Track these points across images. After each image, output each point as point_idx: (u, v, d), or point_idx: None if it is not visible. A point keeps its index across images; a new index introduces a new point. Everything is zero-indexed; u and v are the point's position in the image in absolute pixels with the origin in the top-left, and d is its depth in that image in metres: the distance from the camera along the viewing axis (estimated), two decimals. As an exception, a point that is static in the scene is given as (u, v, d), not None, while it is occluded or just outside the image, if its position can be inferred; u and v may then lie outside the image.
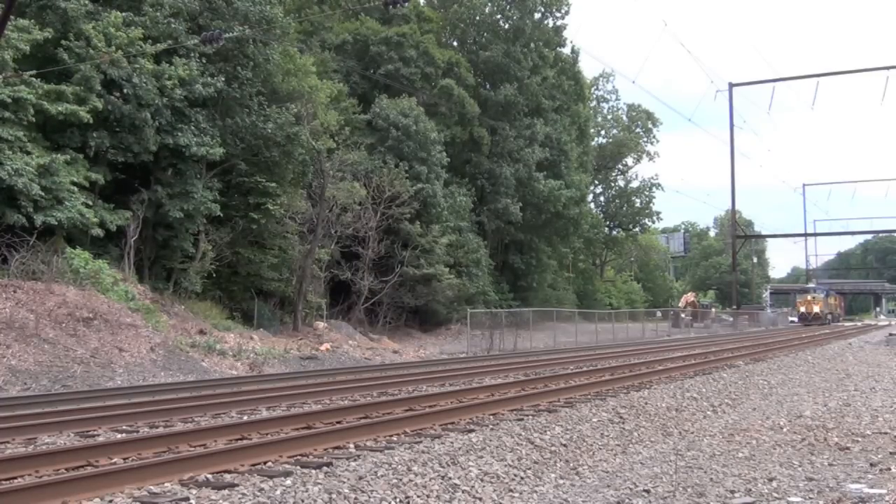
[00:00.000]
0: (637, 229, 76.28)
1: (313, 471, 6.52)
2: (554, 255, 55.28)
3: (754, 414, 11.59)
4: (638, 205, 74.47)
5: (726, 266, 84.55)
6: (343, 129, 31.56)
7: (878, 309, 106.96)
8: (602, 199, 75.84)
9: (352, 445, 7.86)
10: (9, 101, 19.40)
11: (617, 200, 74.85)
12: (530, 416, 9.73)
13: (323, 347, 25.20)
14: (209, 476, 6.42)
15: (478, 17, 47.55)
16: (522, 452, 7.88)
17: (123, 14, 22.89)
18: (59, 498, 5.59)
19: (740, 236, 69.73)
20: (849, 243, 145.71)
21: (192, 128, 23.93)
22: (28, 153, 19.73)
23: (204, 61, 24.52)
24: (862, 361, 21.64)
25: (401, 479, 6.43)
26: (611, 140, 75.92)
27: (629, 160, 75.85)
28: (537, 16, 48.95)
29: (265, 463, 7.00)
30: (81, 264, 20.17)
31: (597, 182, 72.41)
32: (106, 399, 12.37)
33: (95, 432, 9.07)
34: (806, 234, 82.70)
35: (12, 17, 18.33)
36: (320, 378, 16.64)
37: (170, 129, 23.40)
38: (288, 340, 25.75)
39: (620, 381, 14.00)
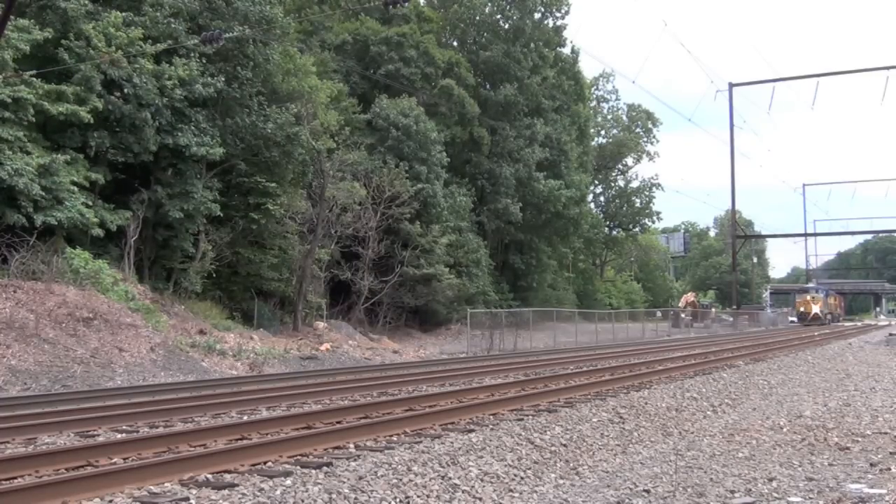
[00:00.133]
0: (637, 229, 76.28)
1: (313, 471, 6.52)
2: (554, 255, 55.29)
3: (754, 414, 11.59)
4: (638, 205, 74.47)
5: (726, 266, 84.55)
6: (343, 129, 31.56)
7: (878, 309, 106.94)
8: (602, 199, 75.86)
9: (352, 445, 7.86)
10: (9, 101, 19.40)
11: (617, 200, 74.85)
12: (530, 416, 9.73)
13: (323, 347, 25.20)
14: (209, 476, 6.42)
15: (478, 17, 47.56)
16: (522, 452, 7.88)
17: (123, 14, 22.90)
18: (59, 498, 5.59)
19: (740, 236, 69.73)
20: (849, 243, 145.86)
21: (192, 128, 23.94)
22: (28, 153, 19.74)
23: (204, 61, 24.52)
24: (862, 361, 21.64)
25: (401, 479, 6.43)
26: (611, 140, 75.92)
27: (629, 160, 75.91)
28: (537, 16, 48.96)
29: (265, 463, 7.00)
30: (81, 264, 20.17)
31: (597, 182, 72.41)
32: (106, 399, 12.36)
33: (95, 432, 9.07)
34: (806, 234, 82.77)
35: (12, 17, 18.33)
36: (320, 378, 16.64)
37: (170, 129, 23.40)
38: (288, 340, 25.75)
39: (620, 381, 14.00)
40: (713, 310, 68.71)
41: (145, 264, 24.69)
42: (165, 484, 6.19)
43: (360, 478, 6.32)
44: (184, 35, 23.73)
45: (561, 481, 7.36)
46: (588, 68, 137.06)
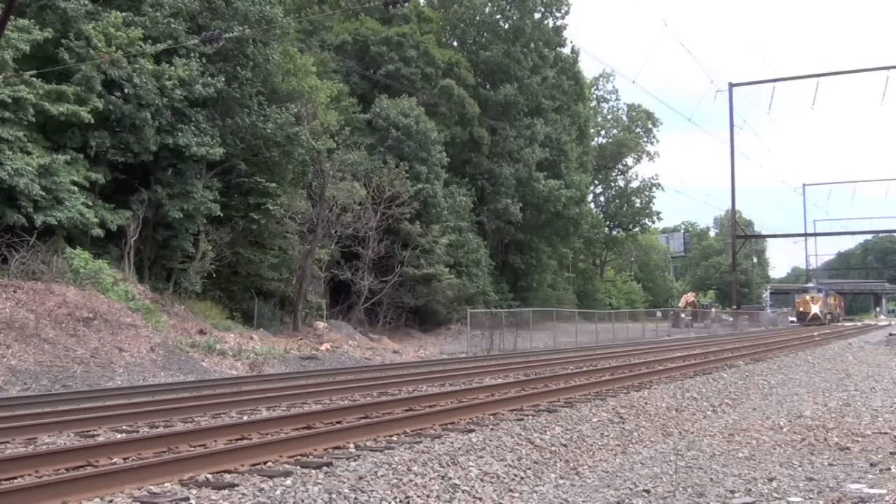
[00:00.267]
0: (637, 229, 76.29)
1: (313, 471, 6.52)
2: (554, 255, 55.29)
3: (754, 414, 11.59)
4: (638, 205, 74.47)
5: (726, 266, 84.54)
6: (343, 129, 31.57)
7: (878, 309, 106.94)
8: (602, 199, 75.85)
9: (352, 445, 7.86)
10: (9, 101, 19.40)
11: (617, 200, 74.85)
12: (530, 416, 9.73)
13: (323, 347, 25.20)
14: (209, 476, 6.42)
15: (478, 17, 47.56)
16: (522, 452, 7.88)
17: (123, 14, 22.89)
18: (59, 498, 5.59)
19: (740, 236, 69.72)
20: (849, 243, 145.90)
21: (192, 128, 23.93)
22: (28, 153, 19.74)
23: (204, 61, 24.52)
24: (862, 361, 21.64)
25: (401, 479, 6.43)
26: (611, 140, 75.92)
27: (629, 160, 75.91)
28: (537, 16, 48.96)
29: (265, 463, 7.00)
30: (81, 264, 20.17)
31: (597, 182, 72.41)
32: (106, 399, 12.36)
33: (95, 432, 9.07)
34: (806, 234, 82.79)
35: (12, 17, 18.33)
36: (320, 378, 16.64)
37: (170, 129, 23.40)
38: (288, 340, 25.75)
39: (620, 381, 14.00)
40: (713, 310, 68.71)
41: (145, 264, 24.69)
42: (165, 484, 6.19)
43: (360, 478, 6.32)
44: (184, 35, 23.73)
45: (561, 481, 7.36)
46: (588, 68, 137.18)
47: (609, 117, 77.72)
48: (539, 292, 50.97)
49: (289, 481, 6.19)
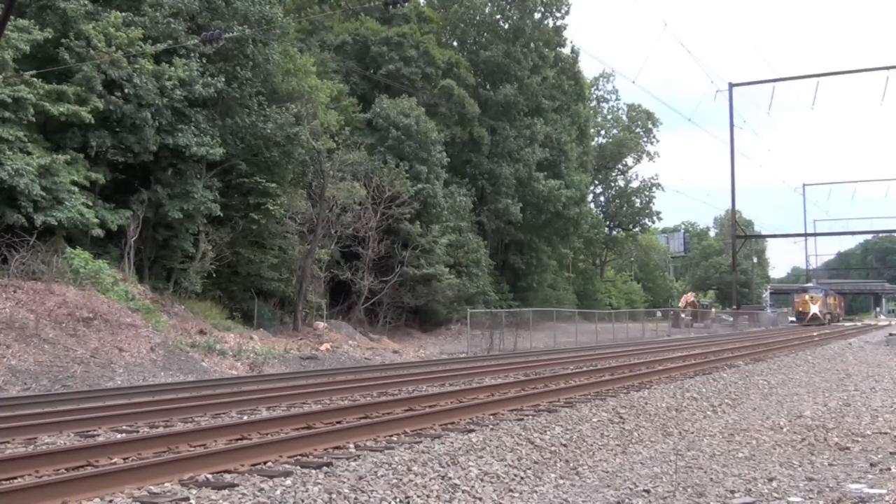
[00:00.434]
0: (637, 229, 76.27)
1: (313, 471, 6.52)
2: (554, 255, 55.28)
3: (754, 414, 11.59)
4: (638, 205, 74.46)
5: (726, 266, 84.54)
6: (343, 129, 31.56)
7: (878, 309, 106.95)
8: (602, 199, 75.84)
9: (352, 445, 7.86)
10: (9, 101, 19.40)
11: (617, 200, 74.83)
12: (530, 416, 9.73)
13: (323, 347, 25.20)
14: (209, 476, 6.42)
15: (478, 18, 47.56)
16: (522, 452, 7.87)
17: (123, 14, 22.89)
18: (59, 498, 5.59)
19: (740, 236, 69.71)
20: (849, 243, 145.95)
21: (192, 128, 23.93)
22: (29, 153, 19.74)
23: (204, 61, 24.52)
24: (862, 361, 21.64)
25: (401, 479, 6.43)
26: (611, 140, 75.90)
27: (629, 160, 75.90)
28: (537, 16, 48.96)
29: (265, 463, 7.00)
30: (81, 264, 20.17)
31: (597, 182, 72.39)
32: (106, 399, 12.36)
33: (95, 432, 9.07)
34: (806, 234, 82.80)
35: (12, 17, 18.33)
36: (320, 378, 16.64)
37: (170, 130, 23.40)
38: (288, 340, 25.75)
39: (620, 381, 14.00)
40: (713, 310, 68.71)
41: (145, 264, 24.69)
42: (165, 484, 6.19)
43: (360, 478, 6.32)
44: (183, 35, 23.73)
45: (561, 481, 7.36)
46: (588, 68, 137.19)
47: (609, 117, 77.72)
48: (539, 292, 50.97)
49: (289, 481, 6.19)
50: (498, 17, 48.16)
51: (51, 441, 8.51)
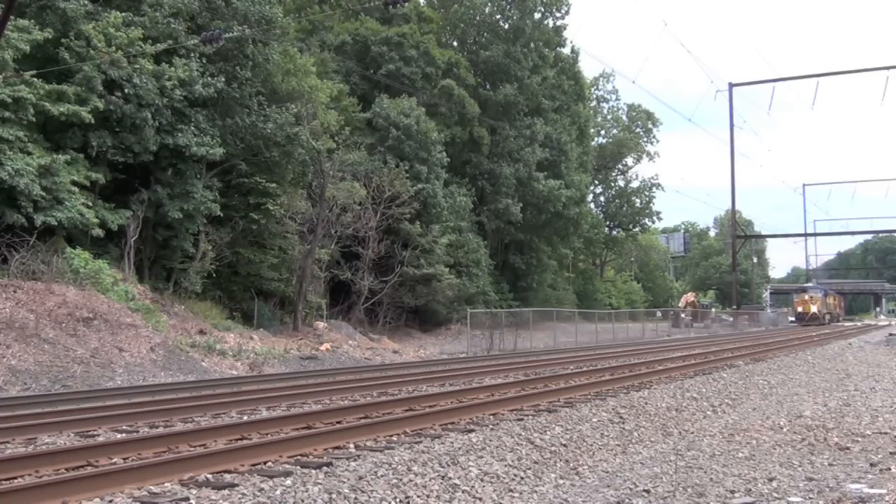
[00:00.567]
0: (637, 229, 76.25)
1: (313, 471, 6.52)
2: (554, 255, 55.28)
3: (754, 414, 11.59)
4: (638, 205, 74.44)
5: (726, 266, 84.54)
6: (343, 129, 31.56)
7: (878, 309, 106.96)
8: (602, 199, 75.82)
9: (352, 445, 7.86)
10: (9, 101, 19.40)
11: (617, 200, 74.82)
12: (530, 416, 9.73)
13: (323, 347, 25.20)
14: (209, 476, 6.42)
15: (478, 18, 47.55)
16: (522, 452, 7.87)
17: (123, 14, 22.90)
18: (59, 498, 5.59)
19: (740, 236, 69.71)
20: (849, 243, 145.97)
21: (192, 128, 23.94)
22: (29, 153, 19.74)
23: (204, 61, 24.52)
24: (862, 361, 21.64)
25: (401, 479, 6.43)
26: (611, 140, 75.89)
27: (629, 160, 75.87)
28: (537, 16, 48.94)
29: (265, 463, 7.00)
30: (81, 264, 20.17)
31: (597, 182, 72.37)
32: (106, 399, 12.37)
33: (95, 432, 9.07)
34: (806, 234, 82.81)
35: (12, 17, 18.33)
36: (320, 378, 16.64)
37: (170, 130, 23.41)
38: (288, 340, 25.75)
39: (620, 381, 14.00)
40: (713, 310, 68.72)
41: (145, 264, 24.69)
42: (165, 484, 6.19)
43: (360, 478, 6.32)
44: (183, 35, 23.73)
45: (561, 481, 7.36)
46: (588, 68, 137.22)
47: (609, 117, 77.70)
48: (539, 292, 50.96)
49: (289, 481, 6.19)
50: (498, 17, 48.15)
51: (51, 441, 8.51)
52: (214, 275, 26.63)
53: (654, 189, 74.32)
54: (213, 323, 24.18)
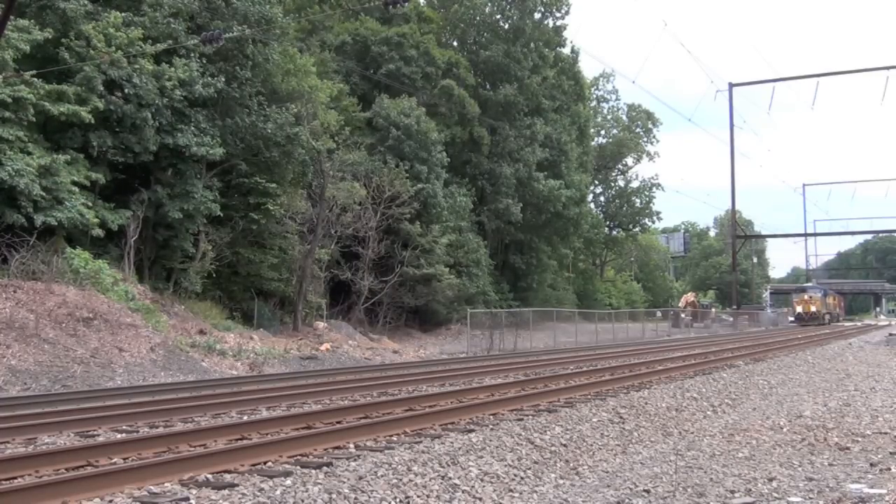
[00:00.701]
0: (637, 229, 76.27)
1: (313, 471, 6.52)
2: (554, 256, 55.29)
3: (754, 414, 11.59)
4: (638, 205, 74.46)
5: (726, 266, 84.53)
6: (343, 129, 31.56)
7: (878, 309, 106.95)
8: (602, 199, 75.84)
9: (352, 445, 7.86)
10: (9, 101, 19.40)
11: (617, 200, 74.83)
12: (530, 416, 9.73)
13: (323, 347, 25.20)
14: (209, 476, 6.42)
15: (478, 18, 47.55)
16: (522, 452, 7.87)
17: (123, 14, 22.91)
18: (59, 498, 5.59)
19: (740, 236, 69.71)
20: (849, 243, 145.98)
21: (193, 128, 23.94)
22: (29, 153, 19.74)
23: (204, 61, 24.52)
24: (862, 361, 21.64)
25: (401, 479, 6.43)
26: (611, 140, 75.90)
27: (629, 160, 75.90)
28: (537, 16, 48.96)
29: (265, 463, 7.00)
30: (81, 264, 20.17)
31: (597, 182, 72.38)
32: (106, 399, 12.36)
33: (95, 432, 9.07)
34: (806, 234, 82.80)
35: (12, 17, 18.33)
36: (320, 378, 16.64)
37: (170, 130, 23.41)
38: (288, 340, 25.75)
39: (620, 381, 14.00)
40: (713, 310, 68.70)
41: (145, 264, 24.69)
42: (165, 484, 6.19)
43: (360, 478, 6.32)
44: (183, 35, 23.73)
45: (561, 481, 7.36)
46: (588, 68, 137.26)
47: (609, 117, 77.69)
48: (539, 292, 50.96)
49: (289, 481, 6.19)
50: (498, 17, 48.15)
51: (51, 441, 8.51)
52: (214, 275, 26.63)
53: (654, 189, 74.42)
54: (213, 323, 24.18)
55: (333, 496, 5.84)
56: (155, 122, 22.73)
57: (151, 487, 6.07)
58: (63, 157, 20.54)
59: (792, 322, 66.55)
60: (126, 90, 21.97)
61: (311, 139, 27.81)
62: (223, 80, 24.65)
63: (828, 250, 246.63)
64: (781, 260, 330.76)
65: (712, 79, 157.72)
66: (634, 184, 75.57)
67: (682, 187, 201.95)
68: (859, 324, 70.45)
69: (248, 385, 14.87)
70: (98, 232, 21.31)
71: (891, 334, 38.31)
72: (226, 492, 5.89)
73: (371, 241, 33.14)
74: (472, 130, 44.16)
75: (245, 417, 10.23)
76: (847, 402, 12.62)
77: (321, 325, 29.82)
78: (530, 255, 50.18)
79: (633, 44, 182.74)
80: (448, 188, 40.24)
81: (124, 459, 7.14)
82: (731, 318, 60.82)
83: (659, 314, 56.50)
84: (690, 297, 66.83)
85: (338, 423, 9.18)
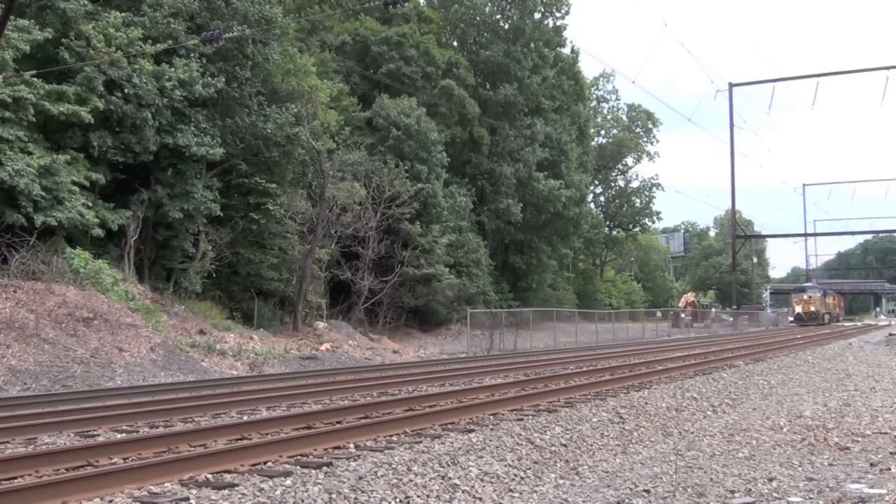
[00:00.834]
0: (637, 229, 76.28)
1: (313, 471, 6.52)
2: (554, 256, 55.29)
3: (754, 414, 11.59)
4: (638, 205, 74.47)
5: (726, 266, 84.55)
6: (343, 129, 31.56)
7: (878, 309, 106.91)
8: (602, 199, 75.84)
9: (352, 445, 7.86)
10: (9, 101, 19.41)
11: (617, 200, 74.84)
12: (530, 416, 9.73)
13: (323, 347, 25.20)
14: (209, 476, 6.42)
15: (478, 18, 47.55)
16: (522, 452, 7.87)
17: (123, 14, 22.91)
18: (59, 498, 5.59)
19: (740, 236, 69.70)
20: (849, 243, 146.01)
21: (192, 128, 23.94)
22: (29, 153, 19.74)
23: (204, 61, 24.52)
24: (862, 361, 21.63)
25: (401, 479, 6.43)
26: (611, 140, 75.90)
27: (629, 160, 75.89)
28: (537, 16, 48.96)
29: (265, 463, 7.00)
30: (81, 264, 20.17)
31: (597, 182, 72.39)
32: (106, 399, 12.36)
33: (95, 432, 9.07)
34: (806, 234, 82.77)
35: (12, 17, 18.33)
36: (320, 378, 16.64)
37: (170, 130, 23.42)
38: (288, 340, 25.75)
39: (620, 381, 14.00)
40: (713, 310, 68.69)
41: (145, 264, 24.69)
42: (165, 484, 6.19)
43: (360, 478, 6.32)
44: (183, 35, 23.74)
45: (561, 481, 7.36)
46: (588, 68, 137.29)
47: (609, 117, 77.69)
48: (539, 292, 50.97)
49: (289, 481, 6.19)
50: (498, 17, 48.15)
51: (51, 441, 8.51)
52: (214, 275, 26.63)
53: (654, 189, 74.44)
54: (213, 323, 24.18)
55: (333, 496, 5.84)
56: (155, 122, 22.74)
57: (151, 487, 6.07)
58: (63, 157, 20.54)
59: (791, 322, 66.53)
60: (126, 90, 21.98)
61: (311, 139, 27.82)
62: (223, 80, 24.65)
63: (828, 250, 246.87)
64: (781, 260, 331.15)
65: (712, 79, 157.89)
66: (634, 184, 75.66)
67: (682, 187, 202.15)
68: (859, 324, 70.43)
69: (248, 385, 14.87)
70: (98, 232, 21.32)
71: (891, 334, 38.30)
72: (226, 492, 5.89)
73: (371, 241, 33.15)
74: (472, 130, 44.16)
75: (245, 417, 10.23)
76: (847, 402, 12.62)
77: (321, 325, 29.82)
78: (530, 255, 50.19)
79: (633, 44, 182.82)
80: (448, 188, 40.25)
81: (124, 459, 7.14)
82: (731, 318, 60.82)
83: (659, 314, 56.50)
84: (690, 297, 66.84)
85: (338, 423, 9.18)
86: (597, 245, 70.23)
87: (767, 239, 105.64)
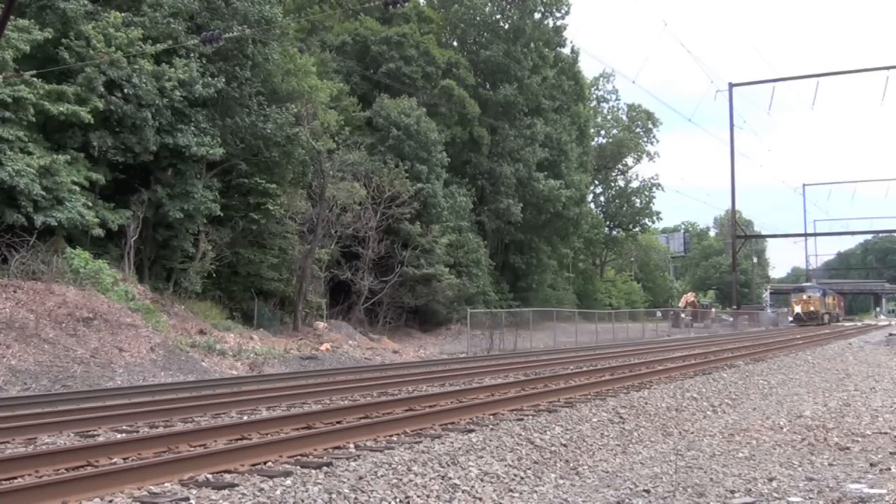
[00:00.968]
0: (637, 229, 76.27)
1: (313, 471, 6.52)
2: (554, 255, 55.30)
3: (754, 414, 11.59)
4: (638, 205, 74.46)
5: (726, 266, 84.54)
6: (343, 129, 31.57)
7: (878, 309, 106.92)
8: (602, 199, 75.84)
9: (352, 445, 7.86)
10: (9, 101, 19.41)
11: (617, 200, 74.83)
12: (530, 416, 9.73)
13: (323, 347, 25.20)
14: (209, 476, 6.42)
15: (478, 18, 47.56)
16: (522, 452, 7.87)
17: (123, 14, 22.91)
18: (59, 498, 5.59)
19: (740, 236, 69.70)
20: (849, 243, 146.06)
21: (192, 128, 23.94)
22: (29, 153, 19.74)
23: (204, 61, 24.52)
24: (862, 361, 21.64)
25: (401, 479, 6.43)
26: (611, 140, 75.89)
27: (629, 160, 75.88)
28: (537, 16, 48.96)
29: (265, 463, 7.00)
30: (81, 264, 20.17)
31: (597, 182, 72.38)
32: (106, 399, 12.36)
33: (95, 432, 9.07)
34: (806, 234, 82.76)
35: (12, 17, 18.33)
36: (320, 378, 16.64)
37: (170, 130, 23.42)
38: (288, 340, 25.75)
39: (620, 381, 14.00)
40: (713, 310, 68.68)
41: (145, 264, 24.70)
42: (165, 484, 6.19)
43: (360, 478, 6.32)
44: (183, 35, 23.74)
45: (561, 481, 7.36)
46: (588, 68, 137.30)
47: (609, 117, 77.68)
48: (539, 292, 50.96)
49: (289, 481, 6.19)
50: (498, 17, 48.16)
51: (51, 441, 8.50)
52: (214, 275, 26.63)
53: (654, 189, 74.42)
54: (213, 323, 24.19)
55: (333, 496, 5.84)
56: (155, 122, 22.74)
57: (151, 487, 6.07)
58: (63, 157, 20.54)
59: (791, 322, 66.50)
60: (126, 90, 21.98)
61: (311, 139, 27.82)
62: (223, 80, 24.65)
63: (828, 250, 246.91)
64: (781, 260, 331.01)
65: (712, 79, 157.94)
66: (634, 184, 75.64)
67: (682, 187, 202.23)
68: (859, 324, 70.41)
69: (248, 385, 14.87)
70: (98, 232, 21.32)
71: (891, 334, 38.31)
72: (226, 492, 5.89)
73: (371, 241, 33.15)
74: (472, 130, 44.16)
75: (245, 417, 10.23)
76: (847, 402, 12.62)
77: (321, 325, 29.82)
78: (530, 255, 50.19)
79: (633, 44, 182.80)
80: (448, 188, 40.25)
81: (124, 459, 7.13)
82: (731, 318, 60.81)
83: (659, 314, 56.50)
84: (690, 297, 66.82)
85: (338, 423, 9.18)
86: (597, 245, 70.23)
87: (767, 239, 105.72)
